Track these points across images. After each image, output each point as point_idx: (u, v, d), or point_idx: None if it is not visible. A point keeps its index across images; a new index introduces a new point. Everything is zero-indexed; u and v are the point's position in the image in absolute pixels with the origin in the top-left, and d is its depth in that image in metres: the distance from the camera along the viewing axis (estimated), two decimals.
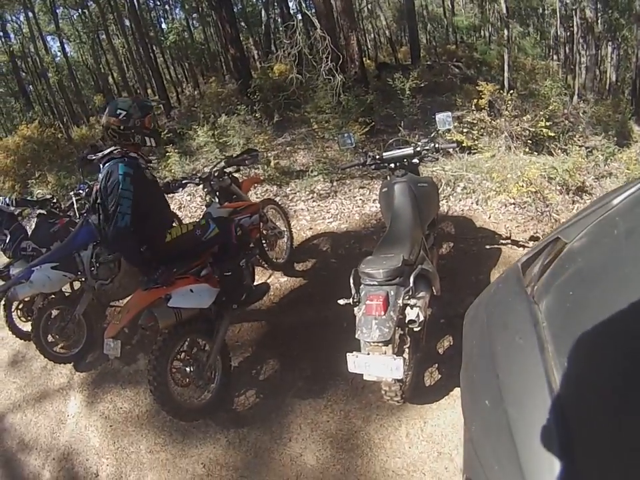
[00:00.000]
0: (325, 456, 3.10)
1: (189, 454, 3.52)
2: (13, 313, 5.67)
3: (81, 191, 5.77)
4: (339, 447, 3.10)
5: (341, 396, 3.48)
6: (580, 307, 1.23)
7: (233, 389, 3.78)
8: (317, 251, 5.62)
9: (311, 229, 6.06)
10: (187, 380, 3.40)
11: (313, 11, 11.56)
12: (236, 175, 4.97)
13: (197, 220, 4.04)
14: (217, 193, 4.56)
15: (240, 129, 9.19)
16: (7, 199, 6.30)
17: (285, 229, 5.31)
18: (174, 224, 3.86)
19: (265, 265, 5.02)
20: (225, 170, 4.66)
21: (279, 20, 29.56)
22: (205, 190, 4.69)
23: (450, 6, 31.91)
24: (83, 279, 5.02)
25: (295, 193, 7.08)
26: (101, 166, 3.47)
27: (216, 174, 4.59)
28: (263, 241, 4.84)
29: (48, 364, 5.22)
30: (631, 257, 1.18)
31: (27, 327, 5.54)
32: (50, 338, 4.94)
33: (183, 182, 4.83)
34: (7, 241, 6.06)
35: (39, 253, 5.62)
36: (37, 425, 4.67)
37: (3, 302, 5.52)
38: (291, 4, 26.44)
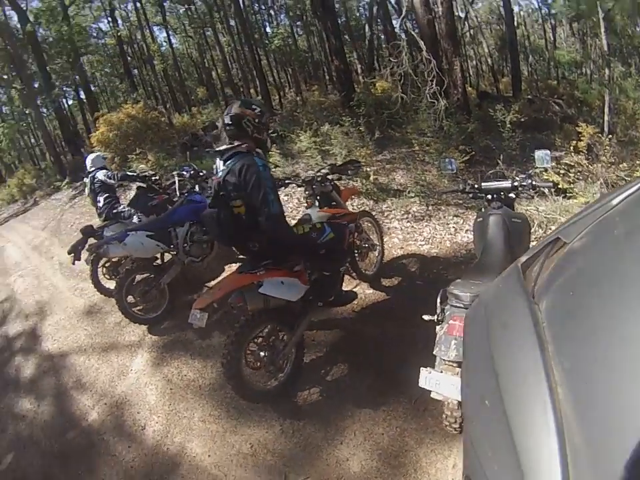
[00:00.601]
0: (370, 466, 3.13)
1: (239, 432, 3.67)
2: (98, 270, 6.22)
3: (184, 172, 6.18)
4: (385, 461, 3.11)
5: (401, 413, 3.50)
6: (580, 306, 1.23)
7: (300, 382, 3.87)
8: (405, 270, 5.67)
9: (402, 248, 6.14)
10: (259, 364, 3.54)
11: (417, 30, 11.60)
12: (337, 182, 5.14)
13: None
14: (318, 197, 4.74)
15: (342, 140, 9.41)
16: (111, 173, 6.83)
17: (378, 243, 5.43)
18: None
19: (354, 274, 5.14)
20: (327, 176, 4.85)
21: (382, 37, 29.80)
22: (307, 192, 4.87)
23: (551, 38, 31.18)
24: (175, 253, 5.46)
25: (391, 211, 7.20)
26: (220, 159, 3.68)
27: (319, 179, 4.79)
28: (355, 251, 4.97)
29: (122, 321, 5.67)
30: (631, 257, 1.17)
31: (109, 284, 6.14)
32: (131, 299, 5.32)
33: (286, 181, 5.07)
34: (101, 205, 6.70)
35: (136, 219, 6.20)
36: (98, 370, 5.08)
37: (91, 257, 6.04)
38: (395, 22, 26.52)
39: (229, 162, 3.54)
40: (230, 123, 3.58)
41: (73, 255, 5.95)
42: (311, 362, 4.10)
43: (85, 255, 5.95)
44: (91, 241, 6.04)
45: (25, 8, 24.43)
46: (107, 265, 6.26)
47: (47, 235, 12.98)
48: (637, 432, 0.85)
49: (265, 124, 3.73)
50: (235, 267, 5.15)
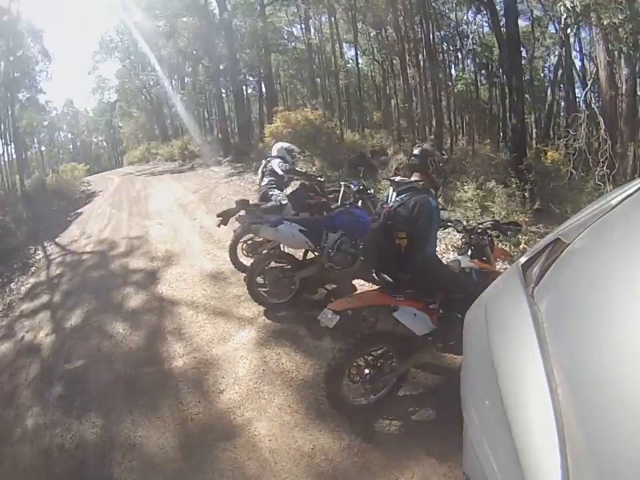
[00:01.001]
0: None
1: (308, 431, 3.60)
2: (239, 244, 6.48)
3: (351, 185, 6.34)
4: None
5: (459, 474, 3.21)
6: (580, 307, 1.20)
7: (386, 410, 3.74)
8: None
9: None
10: (359, 378, 3.55)
11: (598, 104, 10.81)
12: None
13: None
14: (472, 247, 4.62)
15: (504, 201, 9.20)
16: (283, 164, 7.05)
17: None
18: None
19: None
20: (487, 230, 4.74)
21: (562, 103, 28.56)
22: (463, 240, 4.81)
23: None
24: (318, 254, 5.57)
25: None
26: (394, 190, 3.78)
27: (479, 230, 4.70)
28: None
29: (242, 296, 5.85)
30: (630, 257, 1.13)
31: (244, 260, 6.41)
32: (260, 280, 5.50)
33: (448, 223, 4.94)
34: (262, 185, 7.11)
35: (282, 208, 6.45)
36: (201, 328, 5.28)
37: (239, 230, 6.45)
38: (577, 91, 25.28)
39: (403, 195, 3.63)
40: (417, 154, 3.72)
41: (221, 219, 6.26)
42: (404, 396, 3.95)
43: (231, 225, 6.23)
44: (242, 213, 6.35)
45: None
46: (248, 242, 6.50)
47: (195, 198, 13.66)
48: (637, 432, 0.84)
49: (445, 171, 3.84)
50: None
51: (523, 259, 1.82)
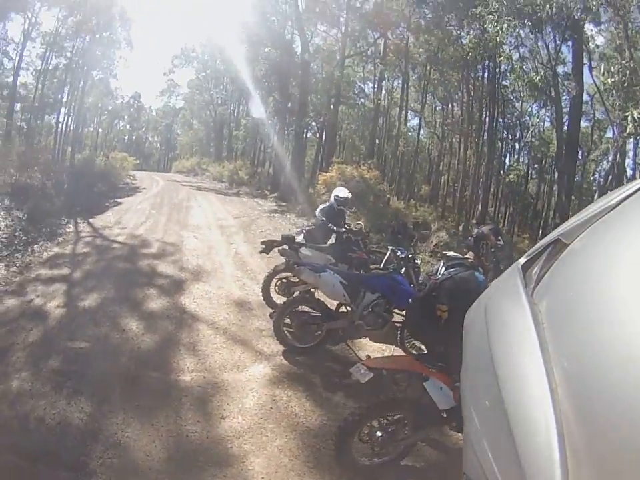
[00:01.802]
0: None
1: (304, 477, 3.52)
2: (273, 280, 6.46)
3: (398, 252, 6.29)
4: None
5: None
6: (580, 307, 1.19)
7: (386, 476, 3.66)
8: None
9: None
10: (369, 439, 3.55)
11: None
12: None
13: None
14: None
15: None
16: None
17: None
18: None
19: None
20: None
21: None
22: None
23: None
24: (351, 309, 5.52)
25: None
26: (444, 264, 3.98)
27: None
28: None
29: (265, 331, 5.79)
30: (631, 257, 1.12)
31: (274, 296, 6.38)
32: (287, 320, 5.46)
33: None
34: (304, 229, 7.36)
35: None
36: (217, 350, 5.19)
37: (281, 266, 6.41)
38: None
39: (452, 270, 3.77)
40: (474, 235, 3.97)
41: (264, 247, 6.45)
42: (406, 466, 3.83)
43: (267, 258, 6.55)
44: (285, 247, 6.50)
45: (309, 39, 27.53)
46: (283, 280, 6.48)
47: (236, 223, 13.78)
48: (637, 432, 0.84)
49: (497, 256, 3.97)
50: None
51: (522, 260, 1.83)
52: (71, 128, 26.38)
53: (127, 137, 55.70)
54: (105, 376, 4.31)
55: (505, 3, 12.47)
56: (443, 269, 3.86)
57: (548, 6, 12.47)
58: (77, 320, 5.49)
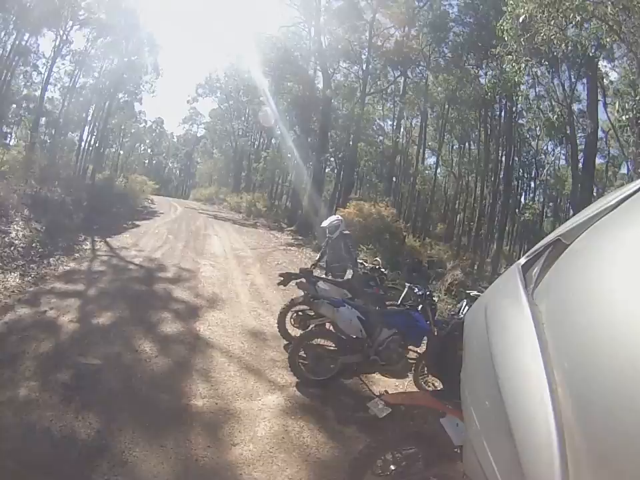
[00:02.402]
0: None
1: None
2: (289, 312, 6.50)
3: (416, 289, 6.32)
4: None
5: None
6: (580, 307, 1.17)
7: None
8: None
9: None
10: (381, 472, 3.51)
11: None
12: None
13: None
14: None
15: None
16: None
17: None
18: None
19: None
20: None
21: None
22: None
23: None
24: (367, 345, 5.54)
25: None
26: (466, 304, 4.10)
27: None
28: None
29: (279, 362, 5.76)
30: (631, 258, 1.09)
31: (289, 328, 6.40)
32: (302, 352, 5.46)
33: None
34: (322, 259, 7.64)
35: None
36: (231, 378, 5.13)
37: (294, 299, 6.56)
38: None
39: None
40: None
41: (282, 279, 6.53)
42: None
43: (283, 291, 6.57)
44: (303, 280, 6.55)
45: (331, 75, 28.01)
46: (299, 312, 6.49)
47: (252, 254, 13.87)
48: (637, 432, 0.84)
49: None
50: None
51: (522, 260, 1.79)
52: (94, 147, 27.01)
53: (147, 161, 57.03)
54: (115, 394, 4.26)
55: (523, 43, 12.60)
56: (466, 308, 3.93)
57: (564, 44, 12.61)
58: (90, 336, 5.46)
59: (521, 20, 12.02)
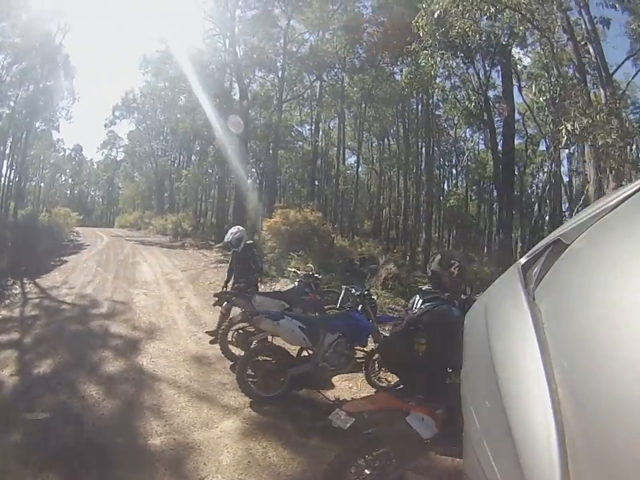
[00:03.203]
0: None
1: None
2: (230, 332, 6.41)
3: (353, 290, 6.45)
4: None
5: None
6: (580, 307, 1.17)
7: None
8: None
9: None
10: (357, 478, 3.54)
11: None
12: None
13: None
14: None
15: None
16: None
17: None
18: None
19: None
20: None
21: (547, 218, 29.47)
22: None
23: None
24: (313, 352, 5.59)
25: None
26: (420, 297, 3.96)
27: None
28: None
29: (228, 384, 5.69)
30: (631, 258, 1.09)
31: (232, 348, 6.35)
32: (250, 371, 5.41)
33: None
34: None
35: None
36: (183, 410, 5.02)
37: (234, 318, 6.42)
38: (563, 206, 26.39)
39: (429, 304, 3.81)
40: (430, 275, 4.02)
41: (218, 298, 6.66)
42: None
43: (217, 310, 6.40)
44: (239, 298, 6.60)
45: (247, 86, 28.23)
46: (239, 331, 6.41)
47: (184, 277, 13.72)
48: (637, 432, 0.83)
49: (455, 278, 3.96)
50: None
51: (523, 260, 1.81)
52: (14, 182, 25.89)
53: (68, 192, 55.04)
54: (71, 448, 4.04)
55: (438, 37, 13.05)
56: (419, 303, 3.90)
57: (478, 36, 13.16)
58: (33, 388, 5.24)
59: (436, 15, 12.46)
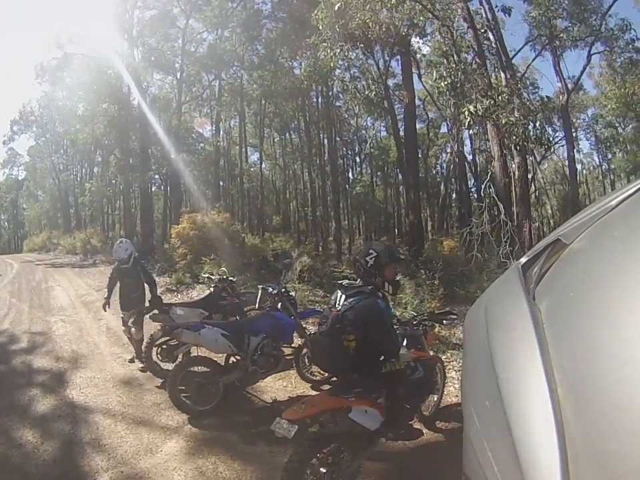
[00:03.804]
0: None
1: None
2: (154, 348, 6.36)
3: (270, 289, 6.44)
4: None
5: None
6: (580, 307, 1.21)
7: None
8: (459, 418, 5.55)
9: (457, 396, 5.79)
10: (314, 478, 3.53)
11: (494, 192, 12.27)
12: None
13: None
14: (407, 339, 4.83)
15: (414, 291, 9.78)
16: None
17: (440, 388, 5.37)
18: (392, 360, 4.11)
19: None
20: (423, 321, 5.06)
21: (454, 196, 30.80)
22: (398, 332, 4.94)
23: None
24: (241, 358, 5.64)
25: (450, 362, 6.91)
26: (342, 293, 3.98)
27: (415, 322, 5.01)
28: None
29: (163, 403, 5.66)
30: (630, 257, 1.13)
31: (159, 364, 6.33)
32: (182, 386, 5.38)
33: None
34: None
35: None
36: (123, 439, 4.93)
37: (154, 334, 6.35)
38: (470, 182, 27.65)
39: (352, 299, 3.84)
40: (355, 266, 4.07)
41: (135, 317, 6.61)
42: None
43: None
44: (155, 312, 6.61)
45: (145, 89, 27.99)
46: (163, 346, 6.35)
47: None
48: (637, 432, 0.85)
49: (379, 267, 3.95)
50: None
51: (523, 260, 1.89)
52: None
53: None
54: None
55: (337, 29, 13.29)
56: (342, 298, 3.91)
57: (378, 27, 13.51)
58: None
59: (336, 8, 12.68)
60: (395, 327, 4.90)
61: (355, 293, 3.84)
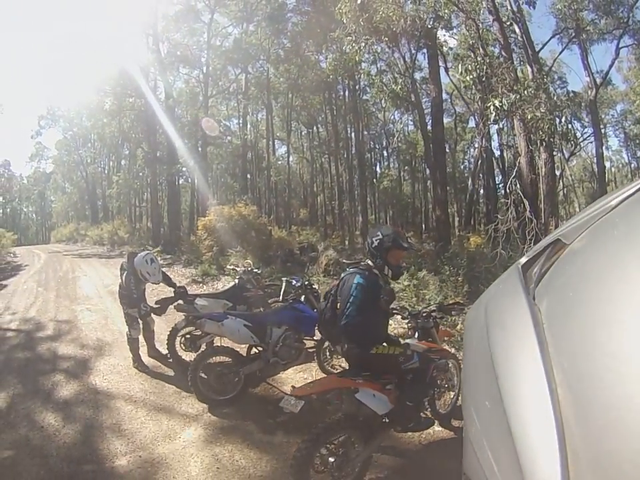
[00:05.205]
0: None
1: None
2: (177, 338, 6.42)
3: (293, 281, 6.59)
4: None
5: None
6: (580, 307, 1.20)
7: None
8: None
9: None
10: (324, 467, 3.55)
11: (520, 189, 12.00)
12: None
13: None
14: (419, 331, 4.85)
15: (438, 287, 9.66)
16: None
17: (457, 386, 5.25)
18: (384, 344, 4.07)
19: (428, 409, 4.89)
20: (433, 313, 5.02)
21: (482, 192, 30.39)
22: (409, 324, 5.06)
23: None
24: (262, 349, 5.64)
25: None
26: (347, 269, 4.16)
27: (424, 314, 4.97)
28: (435, 388, 4.90)
29: (183, 391, 5.72)
30: (630, 257, 1.12)
31: (182, 354, 6.41)
32: (203, 375, 5.40)
33: (393, 311, 5.10)
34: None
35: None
36: (143, 424, 5.02)
37: (183, 323, 6.45)
38: (497, 178, 27.28)
39: (343, 274, 4.09)
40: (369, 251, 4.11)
41: (159, 306, 6.55)
42: None
43: (165, 318, 6.48)
44: (180, 302, 6.61)
45: (172, 83, 28.31)
46: (186, 336, 6.39)
47: None
48: (637, 432, 0.84)
49: (380, 251, 4.03)
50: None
51: (523, 260, 1.88)
52: None
53: (1, 211, 52.57)
54: None
55: (362, 23, 13.21)
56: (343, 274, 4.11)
57: (402, 20, 13.36)
58: None
59: (359, 1, 12.67)
60: (402, 316, 5.16)
61: (352, 268, 4.01)
